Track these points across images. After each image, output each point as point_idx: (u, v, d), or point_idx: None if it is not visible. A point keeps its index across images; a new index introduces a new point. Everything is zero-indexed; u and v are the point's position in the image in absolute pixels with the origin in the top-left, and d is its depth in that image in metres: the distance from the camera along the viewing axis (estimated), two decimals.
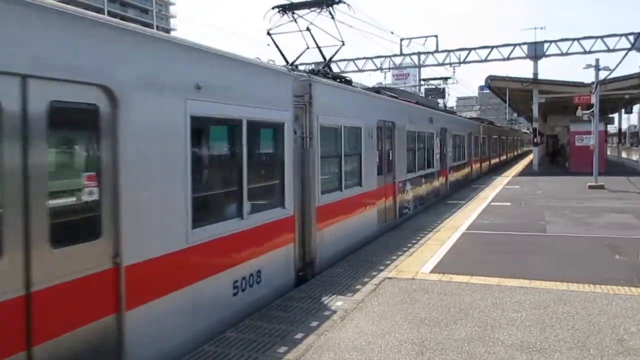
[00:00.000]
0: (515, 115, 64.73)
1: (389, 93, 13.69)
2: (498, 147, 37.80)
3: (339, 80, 10.26)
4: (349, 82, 10.89)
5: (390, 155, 12.27)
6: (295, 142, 7.59)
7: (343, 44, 10.76)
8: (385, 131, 11.86)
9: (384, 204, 11.57)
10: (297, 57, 10.58)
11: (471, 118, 34.56)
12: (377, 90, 13.90)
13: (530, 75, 32.02)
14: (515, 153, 56.86)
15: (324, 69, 10.26)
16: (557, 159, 39.30)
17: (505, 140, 44.01)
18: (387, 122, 11.91)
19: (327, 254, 8.45)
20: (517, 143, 61.24)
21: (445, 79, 37.23)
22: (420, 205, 14.74)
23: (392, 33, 39.89)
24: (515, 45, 32.59)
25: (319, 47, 10.65)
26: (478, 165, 27.27)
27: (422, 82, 40.72)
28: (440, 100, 31.45)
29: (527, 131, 71.77)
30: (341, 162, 9.23)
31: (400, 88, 27.94)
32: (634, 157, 44.04)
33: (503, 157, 41.36)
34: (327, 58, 10.91)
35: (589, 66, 21.41)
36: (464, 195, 18.77)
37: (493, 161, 34.09)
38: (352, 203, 9.68)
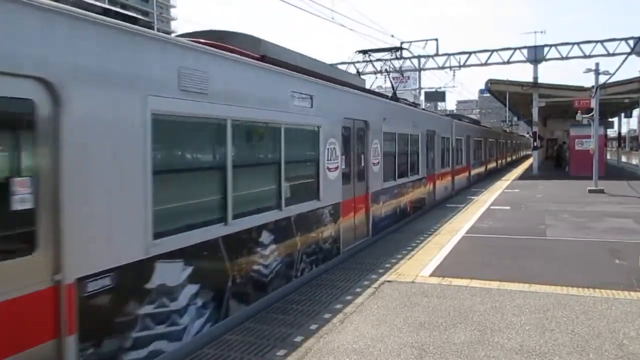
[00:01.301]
0: (515, 118, 64.78)
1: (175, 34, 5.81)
2: (484, 154, 30.07)
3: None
4: (134, 19, 4.85)
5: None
6: None
7: None
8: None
9: None
10: None
11: (448, 115, 26.62)
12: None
13: (530, 79, 32.07)
14: (510, 159, 49.86)
15: None
16: (562, 163, 36.06)
17: (495, 144, 36.37)
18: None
19: None
20: (513, 147, 55.15)
21: (396, 49, 20.64)
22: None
23: (392, 36, 40.08)
24: (515, 49, 32.58)
25: None
26: (447, 180, 19.21)
27: (387, 71, 32.89)
28: (441, 104, 30.37)
29: (527, 134, 71.49)
30: None
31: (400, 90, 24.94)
32: (634, 161, 44.08)
33: (492, 165, 34.40)
34: None
35: (588, 70, 21.43)
36: (463, 199, 18.79)
37: (475, 172, 26.38)
38: None
